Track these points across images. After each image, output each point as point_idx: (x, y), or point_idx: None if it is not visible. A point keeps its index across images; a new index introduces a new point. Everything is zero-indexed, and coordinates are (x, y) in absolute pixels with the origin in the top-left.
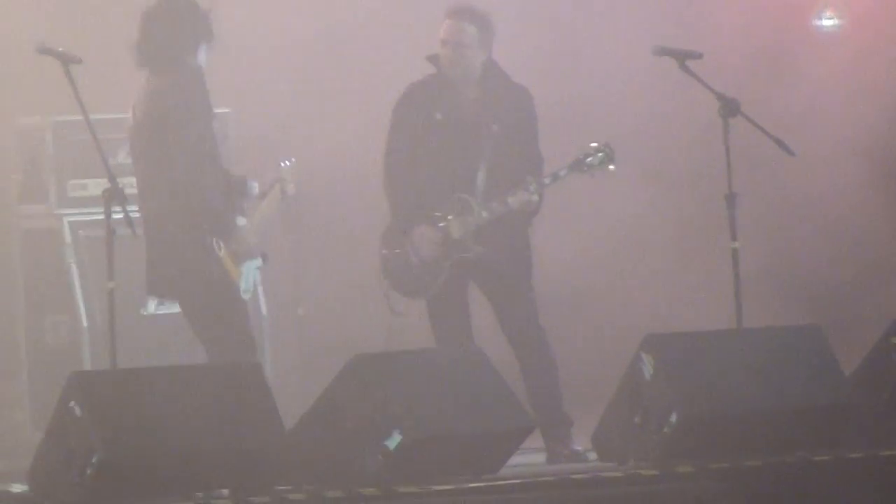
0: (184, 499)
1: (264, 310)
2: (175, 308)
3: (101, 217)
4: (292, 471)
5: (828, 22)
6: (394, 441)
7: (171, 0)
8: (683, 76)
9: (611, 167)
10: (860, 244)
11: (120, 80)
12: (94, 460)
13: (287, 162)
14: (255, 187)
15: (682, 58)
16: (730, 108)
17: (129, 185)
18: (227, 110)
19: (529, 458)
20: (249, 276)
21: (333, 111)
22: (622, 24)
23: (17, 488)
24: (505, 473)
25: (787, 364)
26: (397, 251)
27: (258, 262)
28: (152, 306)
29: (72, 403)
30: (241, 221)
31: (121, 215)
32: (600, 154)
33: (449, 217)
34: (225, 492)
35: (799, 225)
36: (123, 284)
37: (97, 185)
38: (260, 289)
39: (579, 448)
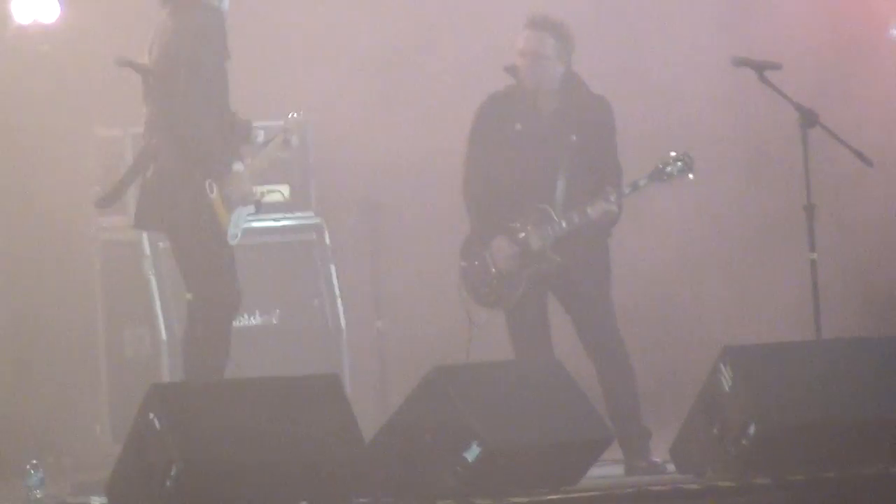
0: None
1: (343, 323)
2: (255, 319)
3: None
4: (370, 483)
5: None
6: (472, 453)
7: None
8: (762, 86)
9: (690, 176)
10: None
11: None
12: (173, 472)
13: (295, 114)
14: (261, 134)
15: (761, 69)
16: (809, 119)
17: None
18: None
19: (608, 470)
20: (240, 221)
21: (413, 120)
22: (699, 34)
23: (97, 501)
24: (584, 485)
25: (866, 376)
26: (476, 262)
27: (250, 209)
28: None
29: (151, 415)
30: (238, 167)
31: None
32: (679, 163)
33: (528, 228)
34: (304, 503)
35: (878, 236)
36: None
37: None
38: (339, 301)
39: (658, 460)
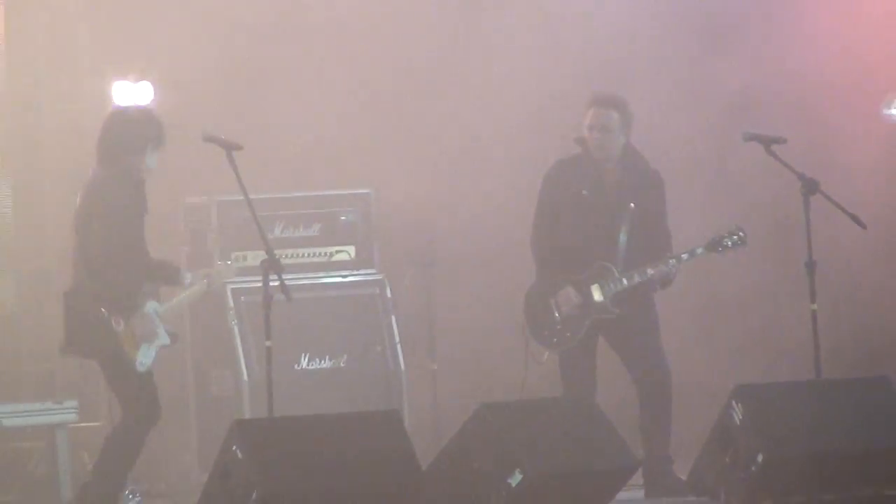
0: None
1: (402, 366)
2: (325, 363)
3: (259, 284)
4: None
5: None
6: (515, 479)
7: (126, 109)
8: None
9: (743, 247)
10: None
11: (275, 163)
12: (253, 497)
13: (228, 262)
14: (188, 278)
15: (769, 143)
16: (810, 187)
17: (284, 255)
18: (367, 191)
19: (632, 494)
20: (149, 353)
21: (459, 187)
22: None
23: None
24: None
25: (860, 410)
26: (542, 309)
27: (161, 342)
28: (304, 361)
29: (234, 447)
30: (151, 307)
31: (276, 283)
32: (735, 237)
33: (593, 282)
34: None
35: (872, 286)
36: (279, 343)
37: (255, 257)
38: (398, 347)
39: (683, 478)
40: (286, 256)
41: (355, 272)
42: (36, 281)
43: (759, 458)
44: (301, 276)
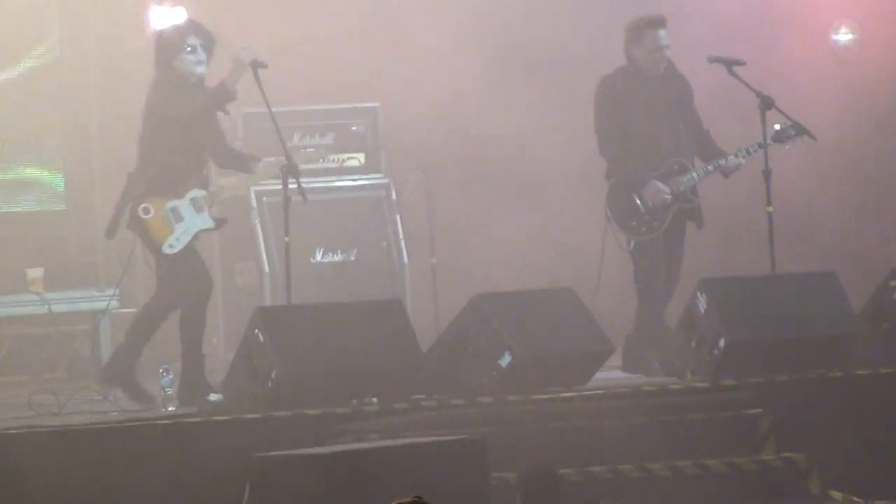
0: (342, 405)
1: (406, 260)
2: (337, 257)
3: (279, 187)
4: (426, 384)
5: (844, 37)
6: (505, 361)
7: (171, 21)
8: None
9: (802, 139)
10: (868, 211)
11: (294, 79)
12: (273, 375)
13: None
14: (259, 165)
15: (730, 64)
16: (767, 102)
17: (302, 161)
18: (375, 104)
19: (609, 374)
20: (182, 238)
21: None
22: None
23: (215, 396)
24: (591, 385)
25: (810, 302)
26: (626, 203)
27: (201, 226)
28: (319, 255)
29: (256, 331)
30: (191, 195)
31: (294, 185)
32: (792, 130)
33: (673, 176)
34: (374, 399)
35: (821, 194)
36: (296, 239)
37: (276, 162)
38: (402, 243)
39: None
40: (303, 162)
41: (364, 176)
42: (82, 180)
43: (721, 342)
44: (316, 179)
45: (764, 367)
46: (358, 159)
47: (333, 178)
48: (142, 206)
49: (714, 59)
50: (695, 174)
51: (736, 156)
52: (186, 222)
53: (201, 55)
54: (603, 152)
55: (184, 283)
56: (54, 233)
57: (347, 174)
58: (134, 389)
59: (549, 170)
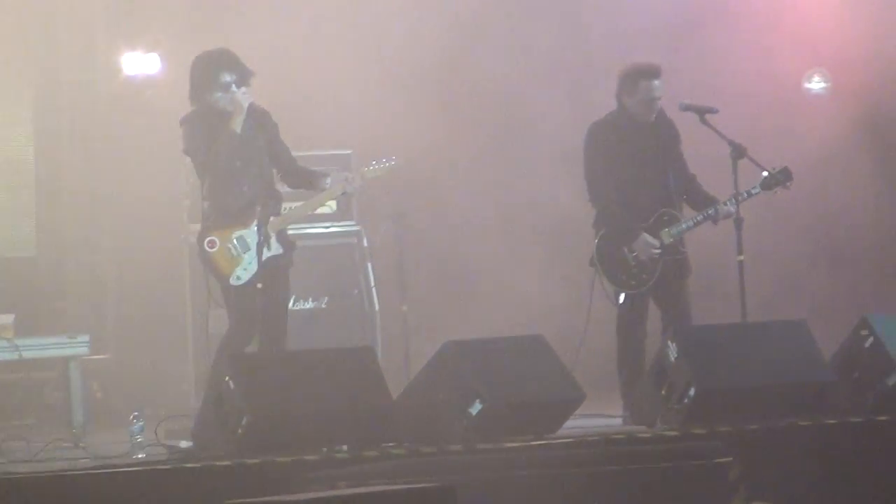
0: (312, 452)
1: (377, 307)
2: (308, 304)
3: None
4: (396, 431)
5: (816, 85)
6: (475, 408)
7: (201, 53)
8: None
9: (788, 186)
10: (840, 259)
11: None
12: (243, 422)
13: (366, 168)
14: (328, 182)
15: (703, 112)
16: (739, 152)
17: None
18: (348, 152)
19: (580, 422)
20: (250, 267)
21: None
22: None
23: (184, 444)
24: (560, 434)
25: (780, 350)
26: (616, 256)
27: (270, 253)
28: (290, 303)
29: (227, 378)
30: (256, 224)
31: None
32: (780, 175)
33: (662, 228)
34: (344, 447)
35: (792, 242)
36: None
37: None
38: (374, 291)
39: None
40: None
41: (336, 223)
42: (54, 226)
43: (691, 391)
44: (289, 226)
45: (734, 415)
46: (330, 206)
47: (305, 225)
48: (207, 239)
49: (686, 108)
50: (684, 225)
51: (726, 203)
52: (253, 251)
53: (234, 91)
54: (592, 200)
55: (254, 312)
56: (24, 279)
57: (319, 221)
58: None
59: (520, 218)
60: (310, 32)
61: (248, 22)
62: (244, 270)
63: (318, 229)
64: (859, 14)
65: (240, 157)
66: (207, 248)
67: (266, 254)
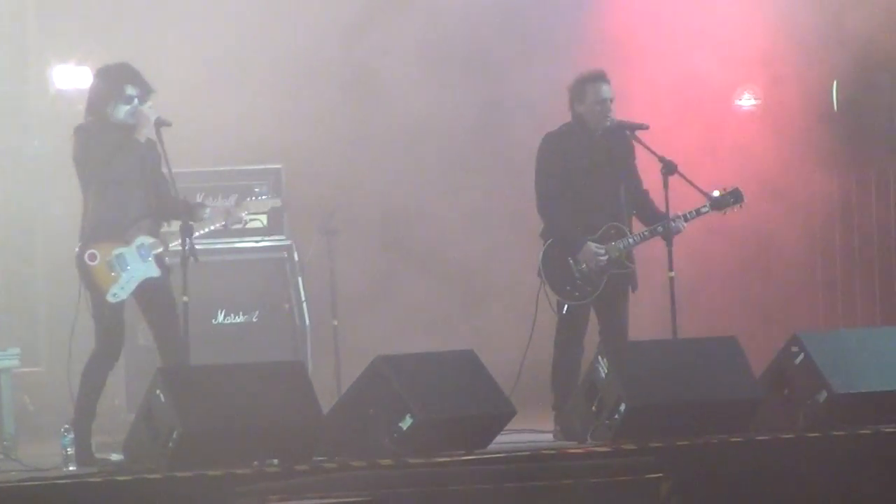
0: (243, 466)
1: (308, 322)
2: (239, 318)
3: (178, 247)
4: (327, 446)
5: (746, 102)
6: (406, 423)
7: (101, 67)
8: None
9: (740, 206)
10: (770, 275)
11: (199, 138)
12: (174, 436)
13: (250, 198)
14: (206, 212)
15: (634, 129)
16: (669, 168)
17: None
18: (279, 166)
19: (509, 437)
20: (127, 285)
21: (359, 163)
22: None
23: (115, 457)
24: (491, 448)
25: (711, 367)
26: (561, 267)
27: (146, 274)
28: (220, 316)
29: (158, 391)
30: (138, 241)
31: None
32: (735, 197)
33: (609, 241)
34: (275, 461)
35: (723, 258)
36: (198, 299)
37: (176, 223)
38: (305, 305)
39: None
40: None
41: (267, 238)
42: None
43: (622, 407)
44: (219, 240)
45: (664, 431)
46: (261, 220)
47: (236, 239)
48: (88, 252)
49: (617, 125)
50: (631, 239)
51: (675, 221)
52: (131, 271)
53: (137, 105)
54: (541, 211)
55: (121, 329)
56: None
57: (250, 235)
58: (84, 455)
59: (452, 231)
60: (242, 43)
61: (182, 33)
62: (121, 289)
63: (248, 243)
64: (788, 30)
65: (137, 171)
66: (88, 261)
67: (144, 275)
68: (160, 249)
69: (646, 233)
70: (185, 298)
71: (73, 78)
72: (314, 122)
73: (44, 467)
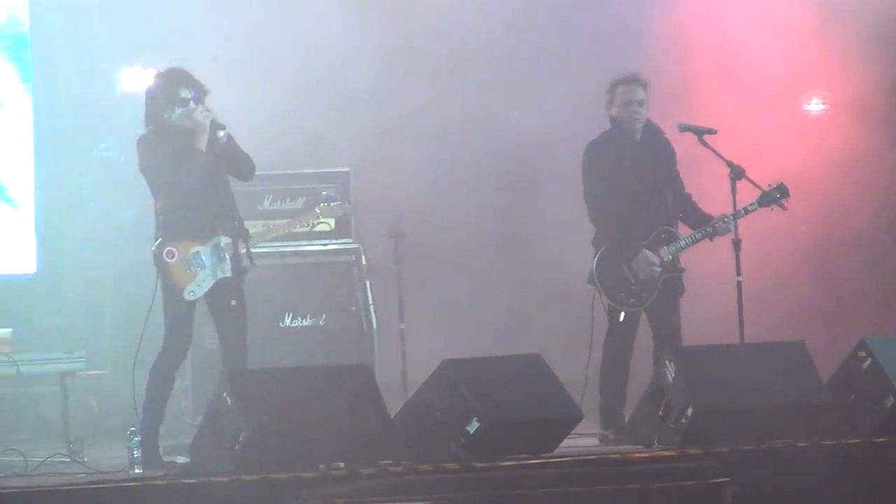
0: (309, 469)
1: (375, 325)
2: (306, 321)
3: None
4: (393, 450)
5: (815, 107)
6: (473, 427)
7: (157, 74)
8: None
9: (785, 201)
10: (838, 281)
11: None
12: (241, 438)
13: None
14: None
15: (701, 133)
16: (737, 172)
17: (250, 227)
18: (347, 170)
19: (577, 441)
20: (204, 284)
21: (428, 169)
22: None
23: (181, 459)
24: (558, 452)
25: (778, 371)
26: (616, 274)
27: (221, 274)
28: (287, 320)
29: (225, 394)
30: (216, 241)
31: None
32: (777, 193)
33: (661, 245)
34: (341, 464)
35: (790, 263)
36: (266, 303)
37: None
38: (372, 308)
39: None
40: (274, 228)
41: (334, 241)
42: (53, 243)
43: (689, 411)
44: (286, 244)
45: (731, 435)
46: (328, 224)
47: (304, 242)
48: (167, 249)
49: (686, 128)
50: (683, 242)
51: (724, 221)
52: (208, 270)
53: (193, 107)
54: (592, 218)
55: (190, 329)
56: (23, 295)
57: (318, 239)
58: (151, 458)
59: (518, 238)
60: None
61: (247, 37)
62: (198, 286)
63: (316, 247)
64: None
65: (207, 173)
66: (166, 259)
67: (220, 274)
68: (242, 250)
69: (697, 235)
70: (232, 302)
71: (139, 81)
72: (385, 123)
73: (109, 470)
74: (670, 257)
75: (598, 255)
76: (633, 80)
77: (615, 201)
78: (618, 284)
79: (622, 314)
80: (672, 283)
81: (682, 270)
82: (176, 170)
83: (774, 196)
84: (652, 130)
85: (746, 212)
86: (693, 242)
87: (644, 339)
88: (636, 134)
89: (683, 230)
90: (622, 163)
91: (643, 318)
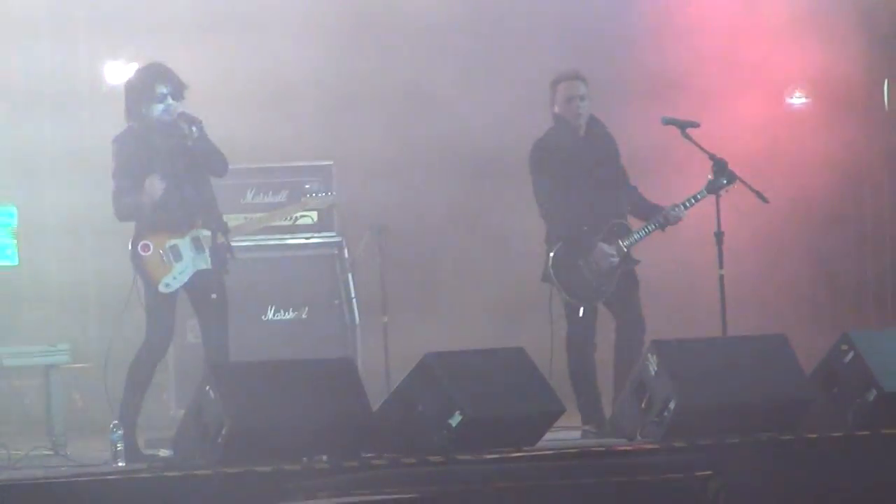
0: (292, 462)
1: (357, 318)
2: (288, 315)
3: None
4: (376, 443)
5: (797, 100)
6: (455, 420)
7: (138, 68)
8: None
9: (733, 186)
10: (820, 274)
11: (249, 135)
12: (223, 432)
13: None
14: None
15: (684, 126)
16: (720, 165)
17: (232, 219)
18: (329, 163)
19: (559, 434)
20: (181, 276)
21: (412, 164)
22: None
23: (164, 452)
24: (540, 445)
25: (760, 365)
26: (572, 270)
27: (198, 266)
28: (270, 313)
29: (207, 388)
30: (193, 234)
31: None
32: (728, 179)
33: (616, 238)
34: (324, 457)
35: (773, 257)
36: (248, 296)
37: (229, 219)
38: (354, 302)
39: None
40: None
41: (317, 234)
42: (35, 236)
43: (671, 404)
44: (269, 237)
45: (714, 429)
46: (311, 217)
47: (286, 235)
48: (141, 243)
49: (669, 122)
50: (637, 235)
51: (674, 210)
52: (185, 262)
53: (170, 102)
54: (544, 216)
55: (171, 322)
56: (5, 287)
57: (300, 232)
58: (131, 451)
59: (500, 232)
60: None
61: (232, 33)
62: (174, 279)
63: (298, 240)
64: (832, 29)
65: (184, 167)
66: (141, 252)
67: (197, 266)
68: (220, 242)
69: (650, 226)
70: (213, 296)
71: (123, 75)
72: (366, 117)
73: (93, 463)
74: (625, 250)
75: (553, 253)
76: (574, 76)
77: (565, 197)
78: (575, 280)
79: (581, 310)
80: (628, 274)
81: (637, 262)
82: (150, 167)
83: (721, 183)
84: (596, 125)
85: (696, 200)
86: (647, 234)
87: (603, 331)
88: (580, 129)
89: (634, 223)
90: (569, 159)
91: (602, 312)
